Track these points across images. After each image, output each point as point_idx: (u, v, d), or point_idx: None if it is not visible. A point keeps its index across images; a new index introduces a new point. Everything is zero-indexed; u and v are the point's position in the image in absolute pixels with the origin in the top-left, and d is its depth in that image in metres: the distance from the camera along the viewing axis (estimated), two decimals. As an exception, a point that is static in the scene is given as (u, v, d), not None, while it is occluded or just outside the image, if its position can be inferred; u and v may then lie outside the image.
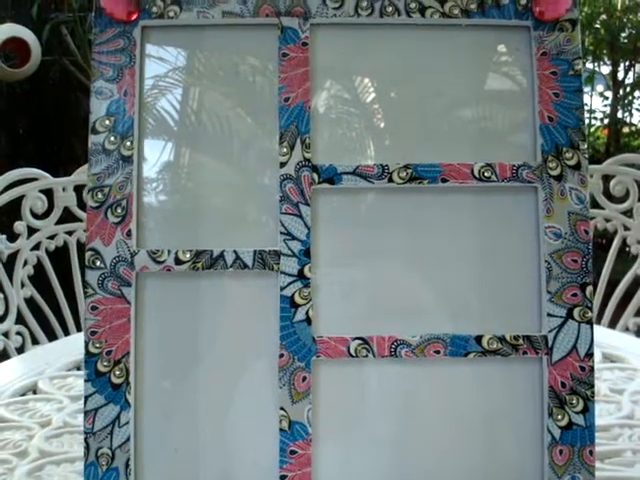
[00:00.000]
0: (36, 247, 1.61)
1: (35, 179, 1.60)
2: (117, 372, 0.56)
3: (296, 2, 0.59)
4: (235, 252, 0.57)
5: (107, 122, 0.58)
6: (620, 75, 4.37)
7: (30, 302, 1.58)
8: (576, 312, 0.57)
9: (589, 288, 0.57)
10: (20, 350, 1.54)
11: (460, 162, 0.57)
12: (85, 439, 0.57)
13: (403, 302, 0.58)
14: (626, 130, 4.53)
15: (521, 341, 0.57)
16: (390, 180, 0.57)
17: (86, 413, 0.57)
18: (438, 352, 0.56)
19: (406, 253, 0.58)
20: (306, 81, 0.58)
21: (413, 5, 0.59)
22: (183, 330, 0.58)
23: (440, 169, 0.57)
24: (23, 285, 1.58)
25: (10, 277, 1.54)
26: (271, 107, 0.58)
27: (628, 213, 1.68)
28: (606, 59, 4.38)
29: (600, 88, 4.56)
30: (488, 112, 0.60)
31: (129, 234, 0.57)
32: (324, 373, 0.57)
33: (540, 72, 0.59)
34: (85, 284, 0.57)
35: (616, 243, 1.69)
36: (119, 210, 0.57)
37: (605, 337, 1.12)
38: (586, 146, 0.58)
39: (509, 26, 0.60)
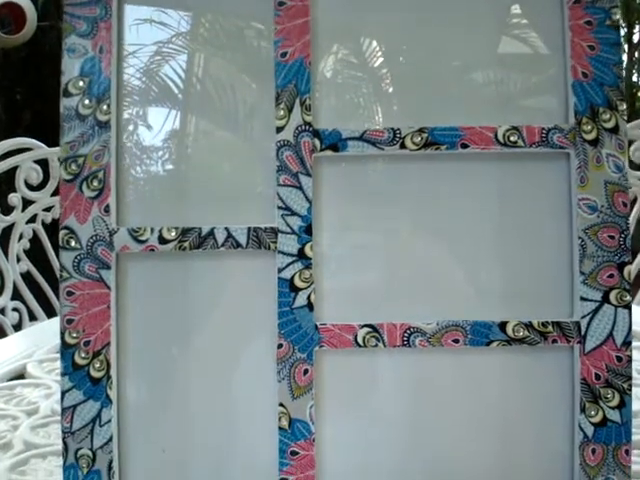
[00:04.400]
0: (32, 220, 1.55)
1: (29, 149, 1.53)
2: (97, 365, 0.50)
3: (294, -56, 0.51)
4: (227, 229, 0.50)
5: (81, 83, 0.51)
6: (635, 37, 4.25)
7: (27, 277, 1.53)
8: (613, 295, 0.50)
9: (627, 268, 0.50)
10: (17, 327, 1.49)
11: (482, 125, 0.50)
12: (63, 439, 0.51)
13: (417, 285, 0.51)
14: (641, 94, 4.43)
15: (550, 328, 0.50)
16: (402, 146, 0.50)
17: (64, 410, 0.51)
18: (457, 341, 0.50)
19: (420, 229, 0.51)
20: (306, 33, 0.51)
21: (427, -53, 0.52)
22: (170, 317, 0.52)
23: (460, 133, 0.50)
24: (19, 259, 1.53)
25: (5, 252, 1.49)
26: (267, 66, 0.51)
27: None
28: (621, 21, 4.26)
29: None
30: (513, 69, 0.53)
31: (107, 210, 0.50)
32: (328, 365, 0.51)
33: (573, 22, 0.51)
34: (60, 267, 0.51)
35: (636, 210, 1.62)
36: (95, 183, 0.50)
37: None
38: (625, 106, 0.51)
39: (536, -30, 0.53)
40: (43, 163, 1.54)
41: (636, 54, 4.26)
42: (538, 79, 0.53)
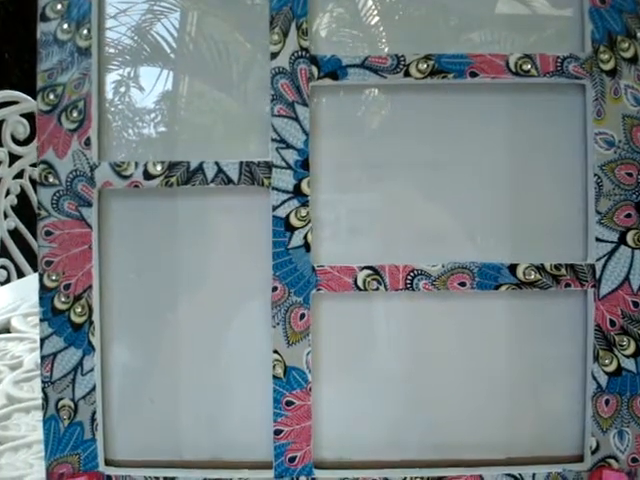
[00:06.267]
0: (19, 175, 1.51)
1: (16, 102, 1.49)
2: (78, 310, 0.47)
3: None
4: (217, 164, 0.47)
5: (59, 6, 0.47)
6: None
7: (14, 234, 1.49)
8: (630, 236, 0.47)
9: (646, 207, 0.47)
10: (5, 284, 1.45)
11: (493, 53, 0.47)
12: (43, 389, 0.48)
13: (421, 225, 0.48)
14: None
15: (563, 271, 0.47)
16: (407, 74, 0.47)
17: (43, 358, 0.48)
18: (463, 284, 0.47)
19: (425, 165, 0.48)
20: (303, -48, 0.47)
21: None
22: (156, 259, 0.48)
23: (468, 60, 0.47)
24: (6, 216, 1.49)
25: (-8, 208, 1.45)
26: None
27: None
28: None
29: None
30: (525, -7, 0.49)
31: (88, 143, 0.47)
32: (326, 309, 0.48)
33: (591, -58, 0.48)
34: (38, 205, 0.47)
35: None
36: (75, 114, 0.47)
37: None
38: (646, 34, 0.48)
39: None
40: (30, 117, 1.50)
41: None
42: (553, 4, 0.49)
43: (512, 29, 0.48)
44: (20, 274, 1.50)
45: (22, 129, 1.48)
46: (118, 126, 0.48)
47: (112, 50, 0.48)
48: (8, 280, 1.47)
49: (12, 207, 1.49)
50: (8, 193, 1.48)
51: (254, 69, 0.48)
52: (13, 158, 1.49)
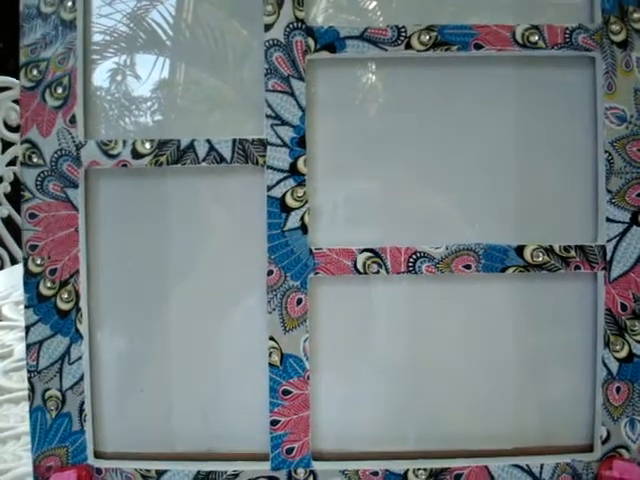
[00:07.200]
0: (12, 162, 1.49)
1: (8, 88, 1.46)
2: (64, 296, 0.45)
3: None
4: (209, 142, 0.44)
5: (42, -23, 0.45)
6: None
7: (8, 221, 1.47)
8: (642, 216, 0.45)
9: (659, 186, 0.45)
10: (-1, 273, 1.43)
11: (498, 23, 0.45)
12: (29, 379, 0.46)
13: (423, 205, 0.46)
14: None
15: (573, 253, 0.45)
16: (408, 46, 0.44)
17: (28, 347, 0.46)
18: (468, 267, 0.45)
19: (428, 142, 0.46)
20: None
21: None
22: (146, 242, 0.46)
23: (473, 32, 0.44)
24: (0, 204, 1.47)
25: (-16, 195, 1.43)
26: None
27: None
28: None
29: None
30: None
31: (73, 121, 0.45)
32: (324, 294, 0.46)
33: None
34: (22, 186, 0.45)
35: None
36: (60, 90, 0.45)
37: None
38: (658, 4, 0.45)
39: None
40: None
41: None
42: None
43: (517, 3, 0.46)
44: (14, 262, 1.48)
45: (15, 115, 1.45)
46: (104, 104, 0.46)
47: (98, 26, 0.46)
48: (1, 268, 1.45)
49: (5, 195, 1.47)
50: (1, 180, 1.46)
51: (250, 56, 0.46)
52: (6, 145, 1.47)
